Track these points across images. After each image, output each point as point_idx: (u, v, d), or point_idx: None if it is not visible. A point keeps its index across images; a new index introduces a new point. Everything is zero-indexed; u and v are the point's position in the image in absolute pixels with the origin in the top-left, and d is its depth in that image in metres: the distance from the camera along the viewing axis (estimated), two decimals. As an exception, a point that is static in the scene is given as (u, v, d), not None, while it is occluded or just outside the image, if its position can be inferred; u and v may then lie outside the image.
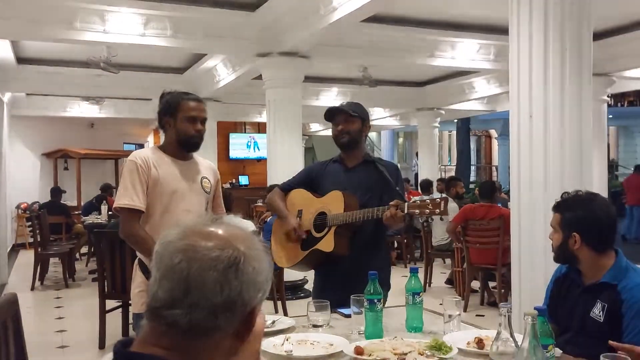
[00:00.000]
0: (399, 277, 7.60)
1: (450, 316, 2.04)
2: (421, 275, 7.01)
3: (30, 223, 7.65)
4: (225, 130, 14.26)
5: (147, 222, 2.60)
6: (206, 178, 2.75)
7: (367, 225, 2.67)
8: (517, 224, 3.26)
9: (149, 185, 2.59)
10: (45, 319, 5.92)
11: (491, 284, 6.21)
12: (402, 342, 1.86)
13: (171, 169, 2.65)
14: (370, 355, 1.77)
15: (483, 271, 6.00)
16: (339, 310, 2.33)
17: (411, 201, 2.54)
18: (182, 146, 2.66)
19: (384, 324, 2.10)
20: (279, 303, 5.58)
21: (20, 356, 2.02)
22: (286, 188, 2.95)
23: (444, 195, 7.63)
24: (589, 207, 2.13)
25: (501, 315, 1.45)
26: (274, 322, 2.21)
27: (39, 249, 7.39)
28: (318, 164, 2.98)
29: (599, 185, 7.21)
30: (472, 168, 21.20)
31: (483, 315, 5.77)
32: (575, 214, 2.13)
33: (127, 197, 2.56)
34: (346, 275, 2.64)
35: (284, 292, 5.60)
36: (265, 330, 2.13)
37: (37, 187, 12.01)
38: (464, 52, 7.26)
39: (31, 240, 8.29)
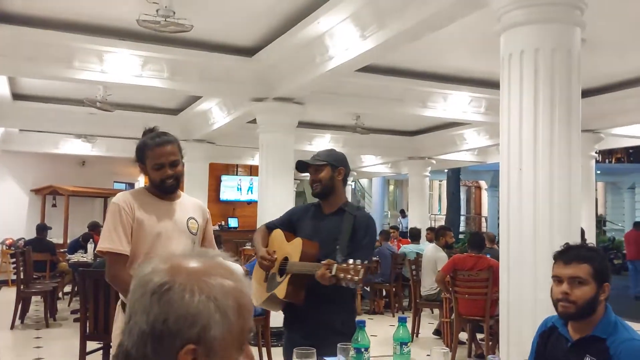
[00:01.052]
0: (386, 326, 7.52)
1: (438, 368, 2.01)
2: (409, 325, 6.93)
3: (14, 259, 7.52)
4: (217, 172, 14.29)
5: (132, 264, 2.56)
6: (193, 219, 2.71)
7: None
8: (506, 276, 3.25)
9: (134, 227, 2.56)
10: (23, 360, 5.76)
11: (479, 336, 6.14)
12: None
13: (156, 210, 2.62)
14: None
15: (471, 323, 5.94)
16: (325, 359, 2.29)
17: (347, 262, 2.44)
18: (159, 190, 2.65)
19: (371, 375, 2.08)
20: (264, 350, 5.47)
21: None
22: (270, 227, 2.96)
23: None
24: (607, 258, 2.14)
25: (490, 368, 1.43)
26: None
27: (22, 287, 7.25)
28: (302, 207, 2.98)
29: (588, 241, 7.25)
30: (462, 218, 21.28)
31: (471, 368, 5.68)
32: (605, 265, 2.12)
33: (110, 240, 2.53)
34: (305, 322, 2.68)
35: (269, 338, 5.50)
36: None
37: (24, 223, 11.85)
38: (455, 104, 7.41)
39: (14, 277, 8.15)
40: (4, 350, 6.36)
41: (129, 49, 5.69)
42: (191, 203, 2.80)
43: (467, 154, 11.44)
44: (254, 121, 6.94)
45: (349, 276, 2.37)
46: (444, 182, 20.45)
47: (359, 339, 2.00)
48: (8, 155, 11.17)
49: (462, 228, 20.34)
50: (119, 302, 2.65)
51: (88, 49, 5.63)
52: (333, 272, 2.40)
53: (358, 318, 2.58)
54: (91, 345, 4.77)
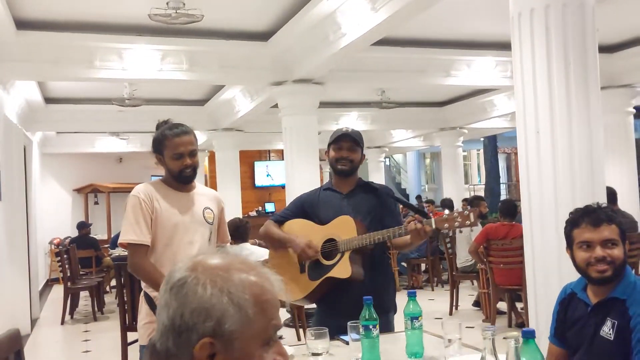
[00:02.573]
0: (425, 300, 7.47)
1: (450, 340, 1.98)
2: (447, 298, 6.89)
3: (59, 258, 7.81)
4: (250, 158, 14.42)
5: (151, 255, 2.62)
6: (209, 209, 2.75)
7: (375, 248, 2.64)
8: (530, 242, 3.18)
9: (152, 218, 2.62)
10: (72, 353, 5.99)
11: (519, 305, 6.04)
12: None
13: (173, 201, 2.67)
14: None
15: (509, 292, 5.85)
16: (340, 337, 2.30)
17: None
18: (177, 181, 2.69)
19: (386, 350, 2.07)
20: (301, 331, 5.53)
21: (23, 393, 2.04)
22: (281, 220, 2.84)
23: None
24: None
25: (484, 338, 1.40)
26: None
27: (69, 283, 7.52)
28: (310, 194, 2.90)
29: (629, 201, 6.98)
30: (503, 186, 20.88)
31: (511, 338, 5.60)
32: (623, 224, 2.06)
33: (132, 232, 2.59)
34: (356, 300, 2.46)
35: (305, 319, 5.56)
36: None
37: (69, 222, 12.25)
38: (480, 70, 7.21)
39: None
40: (54, 344, 6.65)
41: (147, 44, 5.74)
42: (206, 193, 2.85)
43: (501, 120, 11.12)
44: (277, 105, 6.93)
45: (457, 223, 2.37)
46: (482, 152, 20.09)
47: (367, 316, 1.99)
48: (48, 158, 11.55)
49: (503, 196, 19.97)
50: (142, 294, 2.72)
51: (107, 48, 5.71)
52: (433, 226, 2.41)
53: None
54: (133, 336, 4.91)
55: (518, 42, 3.20)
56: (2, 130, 5.87)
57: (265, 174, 14.82)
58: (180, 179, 2.68)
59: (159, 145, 2.67)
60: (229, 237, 2.97)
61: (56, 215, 11.97)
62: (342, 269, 2.60)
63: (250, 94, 7.84)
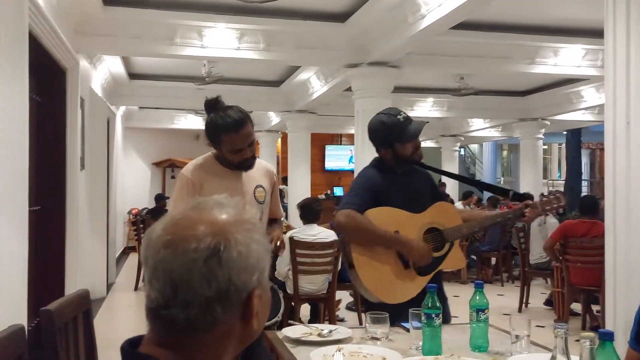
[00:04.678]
0: (494, 295, 7.24)
1: (517, 337, 1.88)
2: (517, 294, 6.64)
3: (135, 227, 8.14)
4: (322, 141, 14.45)
5: None
6: (261, 187, 2.66)
7: None
8: (612, 240, 2.98)
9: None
10: (142, 318, 6.21)
11: (594, 307, 5.73)
12: (457, 361, 1.74)
13: (223, 181, 2.57)
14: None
15: (585, 293, 5.56)
16: (401, 324, 2.23)
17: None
18: (236, 169, 2.60)
19: (447, 340, 1.99)
20: (363, 315, 5.49)
21: (90, 352, 2.11)
22: (361, 210, 2.42)
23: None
24: None
25: (556, 337, 1.30)
26: (330, 331, 2.16)
27: (144, 252, 7.82)
28: (376, 176, 2.58)
29: None
30: (585, 183, 19.89)
31: (584, 341, 5.32)
32: None
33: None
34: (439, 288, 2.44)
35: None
36: (321, 339, 2.09)
37: (147, 194, 12.80)
38: (568, 58, 6.82)
39: (139, 243, 8.82)
40: (126, 309, 6.97)
41: (226, 22, 5.81)
42: (259, 169, 2.70)
43: (587, 113, 10.56)
44: (351, 89, 6.87)
45: (555, 205, 2.52)
46: (564, 146, 19.18)
47: (430, 305, 1.92)
48: (131, 132, 12.06)
49: (584, 194, 19.03)
50: None
51: (188, 25, 5.82)
52: (540, 208, 2.50)
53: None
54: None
55: (612, 27, 2.97)
56: (87, 102, 6.13)
57: (349, 159, 14.65)
58: (240, 168, 2.58)
59: (215, 137, 2.50)
60: (282, 212, 2.93)
61: (136, 186, 12.52)
62: (457, 260, 2.57)
63: (324, 76, 7.80)
